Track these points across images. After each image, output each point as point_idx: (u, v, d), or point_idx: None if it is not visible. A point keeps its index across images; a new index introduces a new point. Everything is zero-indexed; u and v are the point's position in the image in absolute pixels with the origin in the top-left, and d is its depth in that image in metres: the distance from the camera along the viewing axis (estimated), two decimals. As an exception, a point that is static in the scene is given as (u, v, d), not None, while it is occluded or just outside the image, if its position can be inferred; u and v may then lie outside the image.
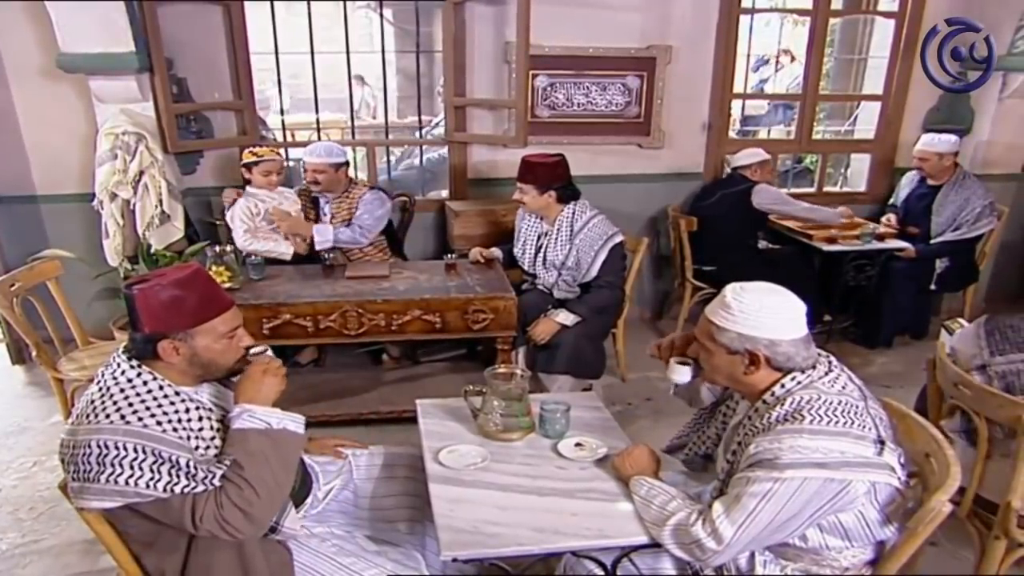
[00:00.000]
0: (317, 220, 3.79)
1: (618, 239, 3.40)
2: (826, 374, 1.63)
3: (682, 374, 1.89)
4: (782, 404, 1.58)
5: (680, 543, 1.58)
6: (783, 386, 1.62)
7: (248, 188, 3.67)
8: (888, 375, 4.01)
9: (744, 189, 4.08)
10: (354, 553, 1.76)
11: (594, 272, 3.38)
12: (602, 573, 1.71)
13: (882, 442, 1.52)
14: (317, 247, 3.64)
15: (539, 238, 3.54)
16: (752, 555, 1.63)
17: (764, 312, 1.60)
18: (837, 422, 1.51)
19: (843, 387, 1.61)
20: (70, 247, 3.73)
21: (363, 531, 1.92)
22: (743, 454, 1.59)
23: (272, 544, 1.67)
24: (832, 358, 1.68)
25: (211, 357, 1.63)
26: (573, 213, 3.42)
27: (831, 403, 1.54)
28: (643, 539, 1.64)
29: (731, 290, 1.65)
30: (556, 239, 3.45)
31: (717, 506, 1.56)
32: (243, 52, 4.02)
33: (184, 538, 1.59)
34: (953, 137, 4.21)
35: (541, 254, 3.53)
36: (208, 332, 1.61)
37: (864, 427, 1.52)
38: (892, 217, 4.49)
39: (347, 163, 3.74)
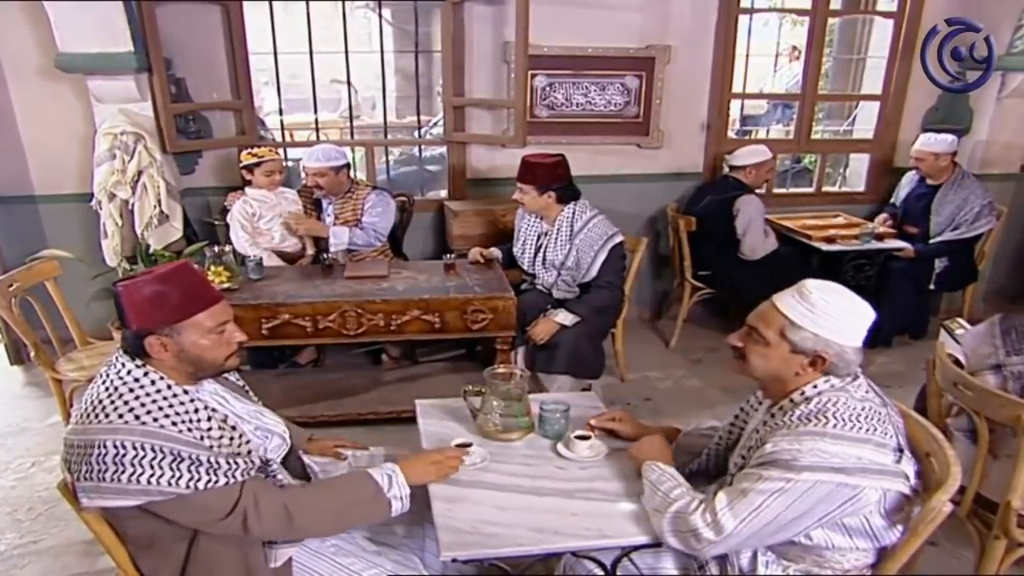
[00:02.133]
0: (318, 220, 3.79)
1: (618, 239, 3.40)
2: (854, 379, 1.60)
3: (580, 449, 1.91)
4: (808, 403, 1.56)
5: (677, 531, 1.56)
6: (815, 387, 1.59)
7: (248, 189, 3.66)
8: (888, 375, 4.00)
9: (729, 197, 4.05)
10: (353, 553, 1.76)
11: (594, 272, 3.38)
12: (602, 573, 1.71)
13: (901, 450, 1.51)
14: (332, 249, 3.64)
15: (539, 238, 3.54)
16: (755, 555, 1.62)
17: (847, 316, 1.57)
18: (861, 428, 1.49)
19: (866, 392, 1.59)
20: (68, 247, 3.72)
21: (361, 532, 1.92)
22: (757, 451, 1.57)
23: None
24: None
25: (199, 353, 1.61)
26: (573, 213, 3.42)
27: (855, 408, 1.53)
28: (643, 539, 1.63)
29: (817, 287, 1.59)
30: (556, 239, 3.44)
31: (722, 497, 1.54)
32: (242, 52, 4.02)
33: (183, 542, 1.58)
34: (950, 137, 4.21)
35: (541, 254, 3.52)
36: (195, 327, 1.59)
37: (886, 434, 1.51)
38: (887, 217, 4.48)
39: (347, 165, 3.73)
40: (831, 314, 1.56)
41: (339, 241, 3.65)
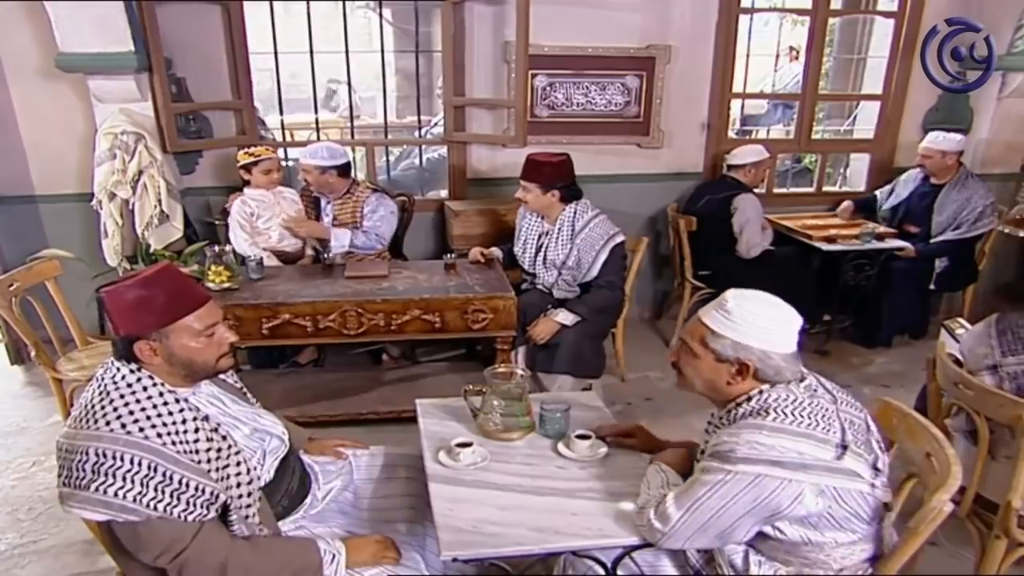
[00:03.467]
0: (318, 220, 3.79)
1: (619, 239, 3.40)
2: (800, 380, 1.62)
3: (581, 448, 1.92)
4: (749, 402, 1.59)
5: (640, 524, 1.63)
6: (760, 392, 1.60)
7: (246, 190, 3.66)
8: (888, 375, 4.01)
9: (727, 196, 4.05)
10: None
11: (595, 272, 3.38)
12: (602, 572, 1.71)
13: (844, 447, 1.51)
14: (332, 251, 3.63)
15: (540, 237, 3.54)
16: (746, 555, 1.62)
17: (765, 322, 1.59)
18: (801, 423, 1.51)
19: (814, 391, 1.60)
20: (69, 247, 3.71)
21: (363, 531, 1.92)
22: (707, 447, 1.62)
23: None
24: (803, 368, 1.66)
25: (190, 356, 1.59)
26: (575, 213, 3.42)
27: (800, 403, 1.55)
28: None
29: (733, 296, 1.63)
30: (557, 239, 3.44)
31: (673, 491, 1.60)
32: (242, 52, 4.02)
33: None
34: (959, 136, 4.20)
35: (542, 253, 3.52)
36: (183, 330, 1.58)
37: (829, 431, 1.51)
38: (848, 204, 4.56)
39: (338, 167, 3.63)
40: (747, 320, 1.59)
41: (340, 244, 3.64)
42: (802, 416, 1.52)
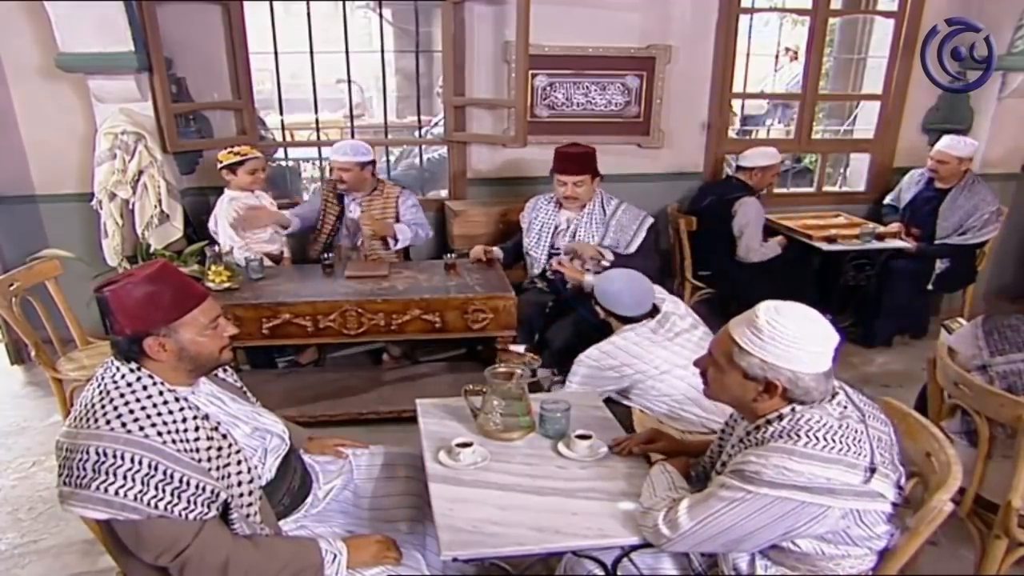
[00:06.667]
0: (339, 217, 3.84)
1: (650, 221, 3.57)
2: (832, 397, 1.57)
3: (581, 448, 1.92)
4: (780, 421, 1.53)
5: (644, 525, 1.62)
6: (793, 411, 1.55)
7: (228, 190, 3.65)
8: (888, 375, 4.01)
9: (730, 199, 4.04)
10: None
11: (634, 247, 3.50)
12: (602, 573, 1.71)
13: (872, 469, 1.46)
14: (399, 246, 3.75)
15: (556, 228, 3.59)
16: (752, 559, 1.62)
17: (797, 342, 1.50)
18: (833, 448, 1.45)
19: (844, 408, 1.55)
20: (69, 247, 3.71)
21: (364, 531, 1.92)
22: (731, 462, 1.58)
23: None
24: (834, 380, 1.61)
25: (198, 350, 1.62)
26: (602, 198, 3.57)
27: (831, 427, 1.49)
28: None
29: (765, 311, 1.54)
30: (589, 222, 3.55)
31: (686, 499, 1.57)
32: (242, 52, 4.02)
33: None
34: (973, 141, 4.18)
35: (565, 240, 3.58)
36: (191, 324, 1.60)
37: (859, 454, 1.47)
38: (897, 225, 4.31)
39: (373, 162, 3.78)
40: (778, 340, 1.50)
41: (404, 238, 3.75)
42: (834, 440, 1.46)
